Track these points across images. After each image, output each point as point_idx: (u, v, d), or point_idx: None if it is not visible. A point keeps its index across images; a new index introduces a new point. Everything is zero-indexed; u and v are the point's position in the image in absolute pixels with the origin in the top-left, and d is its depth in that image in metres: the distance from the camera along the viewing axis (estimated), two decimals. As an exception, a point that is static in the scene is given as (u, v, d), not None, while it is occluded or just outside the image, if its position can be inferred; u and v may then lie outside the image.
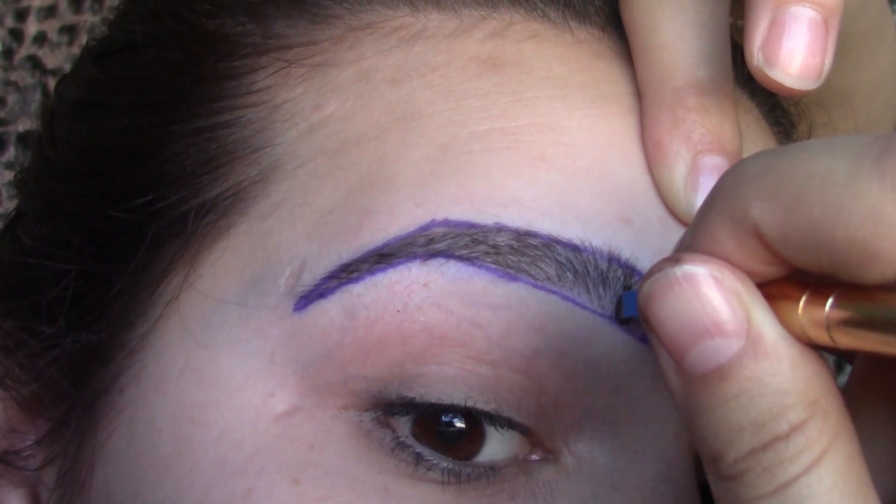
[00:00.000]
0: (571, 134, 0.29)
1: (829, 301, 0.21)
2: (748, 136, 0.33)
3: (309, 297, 0.28)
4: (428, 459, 0.27)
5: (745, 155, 0.32)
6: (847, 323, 0.21)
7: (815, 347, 0.21)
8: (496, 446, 0.28)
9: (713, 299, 0.21)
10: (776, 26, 0.26)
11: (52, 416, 0.32)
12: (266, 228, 0.29)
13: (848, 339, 0.21)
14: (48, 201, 0.34)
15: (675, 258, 0.22)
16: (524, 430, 0.28)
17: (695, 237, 0.22)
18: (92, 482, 0.30)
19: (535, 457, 0.28)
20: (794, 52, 0.26)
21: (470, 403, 0.27)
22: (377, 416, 0.28)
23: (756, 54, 0.26)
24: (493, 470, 0.28)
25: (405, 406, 0.27)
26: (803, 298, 0.21)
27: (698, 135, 0.29)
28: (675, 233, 0.28)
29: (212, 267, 0.29)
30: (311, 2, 0.32)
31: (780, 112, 0.37)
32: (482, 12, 0.32)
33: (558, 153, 0.29)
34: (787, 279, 0.22)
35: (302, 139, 0.30)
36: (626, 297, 0.26)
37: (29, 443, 0.32)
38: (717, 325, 0.21)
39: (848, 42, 0.40)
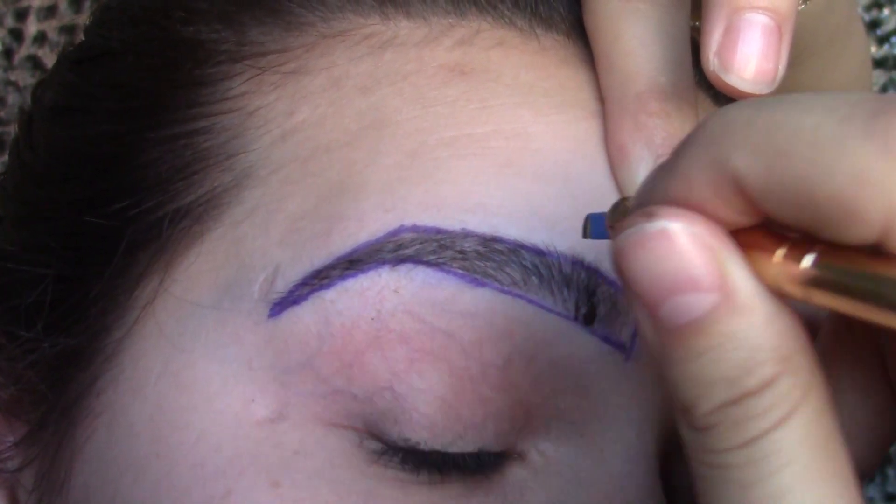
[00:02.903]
0: (537, 140, 0.29)
1: (811, 258, 0.21)
2: None
3: (283, 304, 0.28)
4: (413, 462, 0.28)
5: None
6: (825, 283, 0.21)
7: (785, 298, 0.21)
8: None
9: (687, 254, 0.21)
10: (731, 32, 0.27)
11: (30, 418, 0.32)
12: (240, 234, 0.29)
13: (824, 299, 0.21)
14: (26, 206, 0.34)
15: (647, 212, 0.21)
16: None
17: (669, 181, 0.22)
18: (70, 484, 0.30)
19: (504, 454, 0.29)
20: (749, 58, 0.27)
21: (450, 450, 0.28)
22: (367, 435, 0.28)
23: (712, 59, 0.27)
24: (474, 467, 0.28)
25: (402, 449, 0.28)
26: (782, 252, 0.21)
27: (660, 138, 0.29)
28: None
29: (187, 272, 0.30)
30: (284, 10, 0.32)
31: None
32: (451, 20, 0.32)
33: (524, 159, 0.29)
34: (760, 228, 0.22)
35: (275, 145, 0.30)
36: (592, 219, 0.27)
37: (7, 444, 0.32)
38: (692, 280, 0.21)
39: (815, 45, 0.40)
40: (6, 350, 0.32)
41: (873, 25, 0.74)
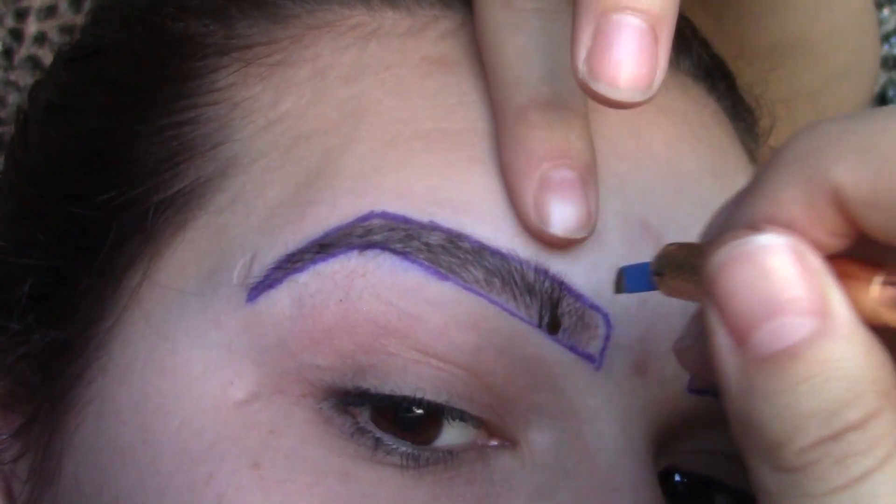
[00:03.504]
0: None
1: None
2: (704, 132, 0.33)
3: (259, 288, 0.29)
4: (387, 444, 0.28)
5: (696, 158, 0.32)
6: None
7: (883, 328, 0.20)
8: (454, 432, 0.28)
9: (792, 274, 0.20)
10: (600, 37, 0.25)
11: (23, 410, 0.32)
12: (222, 222, 0.30)
13: None
14: (18, 203, 0.35)
15: (754, 227, 0.20)
16: (477, 423, 0.28)
17: (754, 204, 0.21)
18: (61, 474, 0.31)
19: (493, 443, 0.29)
20: (620, 64, 0.25)
21: (420, 395, 0.28)
22: (335, 403, 0.28)
23: (581, 67, 0.25)
24: (451, 455, 0.28)
25: (360, 396, 0.28)
26: (881, 277, 0.20)
27: (543, 151, 0.28)
28: (611, 247, 0.28)
29: (171, 260, 0.30)
30: (271, 2, 0.32)
31: (741, 107, 0.37)
32: (436, 12, 0.32)
33: (495, 158, 0.29)
34: (846, 256, 0.21)
35: (258, 135, 0.31)
36: (628, 271, 0.26)
37: (2, 437, 0.33)
38: (794, 301, 0.20)
39: None
40: None
41: (873, 25, 0.74)
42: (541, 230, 0.28)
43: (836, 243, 0.21)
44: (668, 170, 0.30)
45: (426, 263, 0.28)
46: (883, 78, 0.74)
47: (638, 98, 0.25)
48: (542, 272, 0.28)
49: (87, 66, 0.35)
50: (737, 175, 0.33)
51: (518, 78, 0.29)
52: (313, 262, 0.28)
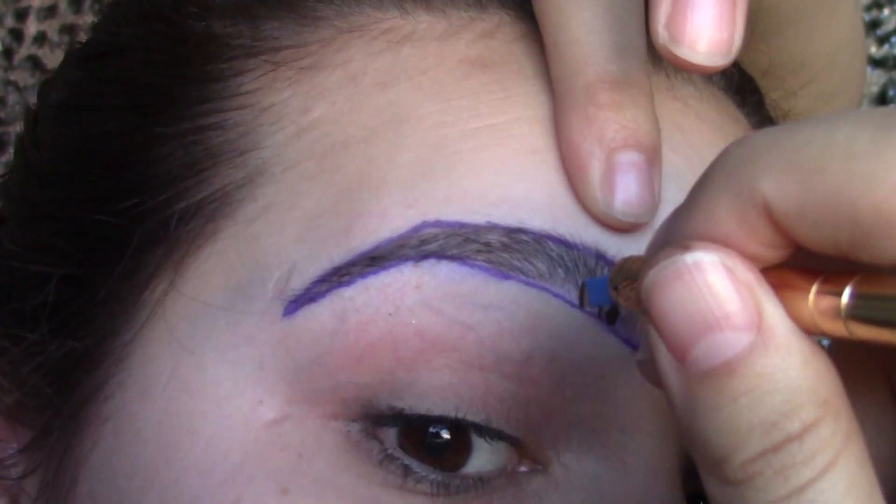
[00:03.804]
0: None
1: (848, 289, 0.20)
2: (716, 123, 0.32)
3: (299, 302, 0.27)
4: (416, 472, 0.27)
5: (703, 142, 0.31)
6: (867, 314, 0.19)
7: (822, 336, 0.20)
8: (484, 457, 0.28)
9: (724, 290, 0.20)
10: (680, 1, 0.25)
11: (35, 424, 0.31)
12: (253, 232, 0.29)
13: (868, 332, 0.19)
14: (31, 206, 0.34)
15: (683, 245, 0.20)
16: (514, 442, 0.27)
17: (689, 218, 0.21)
18: (76, 492, 0.30)
19: (523, 468, 0.28)
20: (701, 28, 0.25)
21: (460, 415, 0.27)
22: (365, 426, 0.27)
23: (661, 32, 0.25)
24: (481, 481, 0.27)
25: (394, 417, 0.27)
26: (815, 287, 0.20)
27: (612, 132, 0.28)
28: None
29: (198, 272, 0.29)
30: (300, 3, 0.31)
31: (768, 125, 0.37)
32: (471, 14, 0.31)
33: (548, 146, 0.28)
34: (785, 266, 0.21)
35: (289, 142, 0.30)
36: (589, 284, 0.26)
37: (11, 451, 0.31)
38: (727, 317, 0.20)
39: (801, 7, 0.39)
40: (10, 354, 0.31)
41: (873, 25, 0.75)
42: (606, 213, 0.27)
43: (774, 255, 0.20)
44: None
45: (485, 265, 0.27)
46: (883, 78, 0.75)
47: (718, 62, 0.25)
48: (603, 257, 0.27)
49: (103, 65, 0.34)
50: None
51: (585, 55, 0.28)
52: (362, 275, 0.27)
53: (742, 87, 0.35)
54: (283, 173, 0.29)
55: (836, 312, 0.20)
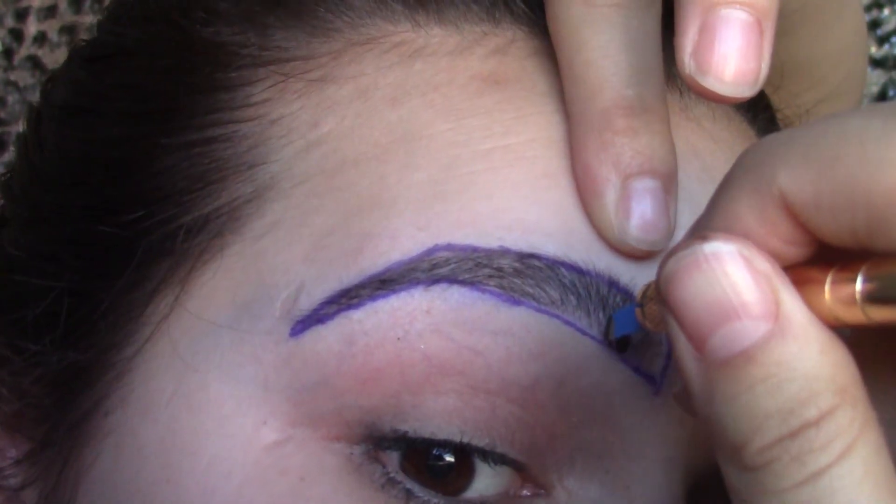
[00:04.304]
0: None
1: (861, 273, 0.20)
2: (728, 144, 0.32)
3: (306, 322, 0.27)
4: (419, 496, 0.27)
5: (703, 168, 0.31)
6: (883, 295, 0.20)
7: (843, 327, 0.21)
8: (486, 481, 0.27)
9: (742, 279, 0.20)
10: (707, 31, 0.25)
11: (33, 435, 0.31)
12: (260, 249, 0.28)
13: (884, 313, 0.20)
14: (34, 209, 0.33)
15: (701, 235, 0.21)
16: (517, 466, 0.27)
17: (712, 214, 0.21)
18: None
19: (526, 492, 0.28)
20: (728, 58, 0.25)
21: (465, 439, 0.27)
22: (367, 449, 0.27)
23: (687, 62, 0.25)
24: None
25: (397, 440, 0.27)
26: (830, 274, 0.20)
27: (628, 158, 0.27)
28: None
29: (203, 288, 0.29)
30: (311, 13, 0.31)
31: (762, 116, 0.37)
32: (484, 28, 0.31)
33: (562, 169, 0.28)
34: (806, 263, 0.21)
35: (299, 157, 0.29)
36: (617, 317, 0.26)
37: (10, 462, 0.31)
38: (745, 306, 0.20)
39: (807, 10, 0.39)
40: (11, 363, 0.31)
41: (873, 25, 0.75)
42: (621, 240, 0.27)
43: (795, 252, 0.21)
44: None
45: (497, 290, 0.26)
46: (883, 78, 0.75)
47: (745, 93, 0.25)
48: (615, 285, 0.27)
49: (108, 67, 0.33)
50: None
51: (601, 79, 0.28)
52: (372, 298, 0.27)
53: (754, 105, 0.35)
54: (292, 189, 0.29)
55: (852, 299, 0.20)
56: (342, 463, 0.27)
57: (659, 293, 0.21)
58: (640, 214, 0.27)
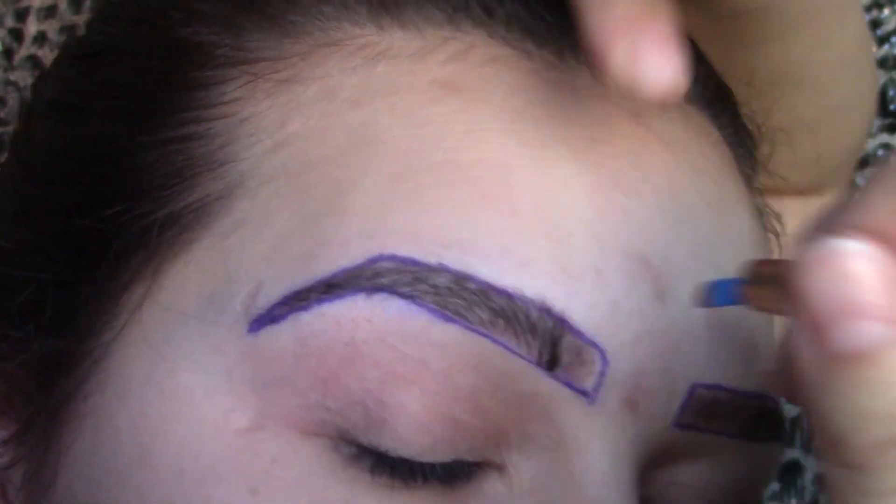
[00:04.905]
0: (516, 174, 0.29)
1: None
2: (704, 164, 0.33)
3: (262, 321, 0.28)
4: (386, 469, 0.28)
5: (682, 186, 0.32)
6: None
7: None
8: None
9: (869, 280, 0.21)
10: (633, 46, 0.26)
11: (20, 417, 0.32)
12: (227, 246, 0.30)
13: None
14: (22, 203, 0.34)
15: (837, 231, 0.21)
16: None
17: (851, 212, 0.22)
18: (55, 486, 0.31)
19: (482, 463, 0.29)
20: (652, 70, 0.26)
21: (433, 459, 0.28)
22: (356, 451, 0.28)
23: (615, 75, 0.26)
24: (453, 477, 0.28)
25: (378, 455, 0.28)
26: None
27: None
28: (611, 285, 0.28)
29: (174, 280, 0.30)
30: (282, 16, 0.32)
31: (743, 134, 0.37)
32: (445, 33, 0.32)
33: (501, 193, 0.29)
34: None
35: (266, 156, 0.30)
36: (718, 287, 0.26)
37: None
38: (871, 307, 0.20)
39: (805, 13, 0.39)
40: None
41: (873, 25, 0.74)
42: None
43: None
44: (670, 204, 0.31)
45: (433, 306, 0.27)
46: (883, 78, 0.75)
47: (671, 99, 0.26)
48: (546, 311, 0.28)
49: (95, 65, 0.34)
50: (736, 206, 0.33)
51: None
52: (319, 301, 0.28)
53: (715, 101, 0.36)
54: (258, 188, 0.30)
55: None
56: (319, 452, 0.28)
57: (780, 278, 0.22)
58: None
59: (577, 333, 0.28)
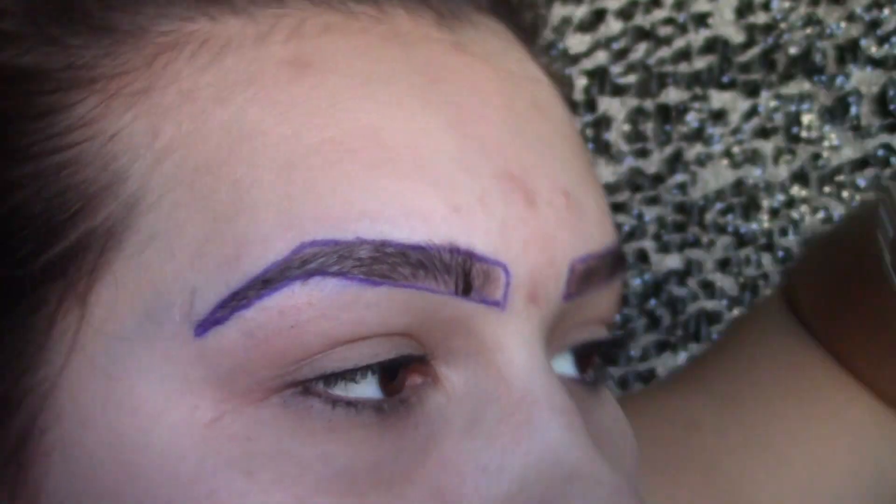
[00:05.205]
0: (387, 135, 0.31)
1: None
2: (517, 67, 0.36)
3: (205, 325, 0.30)
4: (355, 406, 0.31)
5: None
6: None
7: None
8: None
9: None
10: None
11: None
12: (145, 262, 0.31)
13: None
14: None
15: None
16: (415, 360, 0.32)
17: None
18: None
19: (419, 380, 0.33)
20: None
21: (377, 360, 0.31)
22: (295, 392, 0.31)
23: None
24: (401, 403, 0.32)
25: (319, 378, 0.31)
26: None
27: None
28: (495, 208, 0.32)
29: (103, 304, 0.31)
30: (105, 25, 0.32)
31: (527, 27, 0.40)
32: (274, 10, 0.33)
33: (383, 158, 0.31)
34: None
35: (152, 170, 0.31)
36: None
37: None
38: None
39: None
40: None
41: (873, 25, 0.76)
42: None
43: None
44: (509, 116, 0.34)
45: (362, 276, 0.30)
46: (883, 78, 0.76)
47: None
48: (455, 250, 0.31)
49: None
50: (550, 96, 0.37)
51: None
52: (258, 297, 0.30)
53: (499, 6, 0.38)
54: (157, 202, 0.31)
55: None
56: (277, 412, 0.30)
57: None
58: None
59: (483, 259, 0.32)
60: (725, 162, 0.75)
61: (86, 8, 0.32)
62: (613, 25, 0.74)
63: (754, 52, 0.74)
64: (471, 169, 0.32)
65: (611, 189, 0.74)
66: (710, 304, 0.75)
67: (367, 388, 0.31)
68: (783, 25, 0.75)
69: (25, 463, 0.31)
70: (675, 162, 0.74)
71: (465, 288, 0.31)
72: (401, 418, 0.31)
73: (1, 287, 0.31)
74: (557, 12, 0.73)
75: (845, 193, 0.75)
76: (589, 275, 0.34)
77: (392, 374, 0.32)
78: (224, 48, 0.32)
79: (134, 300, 0.30)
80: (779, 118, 0.75)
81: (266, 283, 0.30)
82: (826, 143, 0.75)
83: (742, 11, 0.75)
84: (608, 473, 0.30)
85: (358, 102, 0.32)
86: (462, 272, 0.31)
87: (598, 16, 0.74)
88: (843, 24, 0.75)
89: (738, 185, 0.75)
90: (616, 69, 0.74)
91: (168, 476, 0.30)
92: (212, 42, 0.32)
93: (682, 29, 0.74)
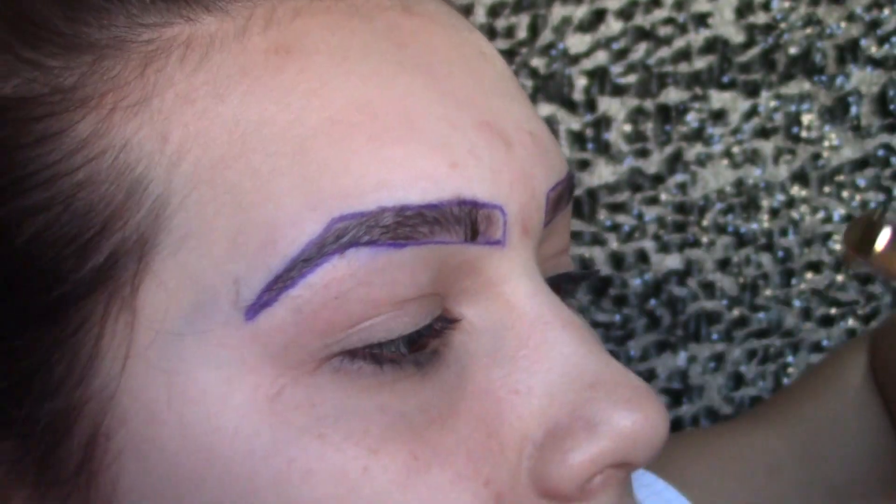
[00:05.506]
0: (378, 105, 0.33)
1: None
2: (457, 22, 0.38)
3: (255, 308, 0.31)
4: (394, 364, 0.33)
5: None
6: None
7: None
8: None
9: None
10: None
11: (31, 488, 0.33)
12: (182, 260, 0.32)
13: None
14: None
15: None
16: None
17: None
18: None
19: (440, 326, 0.35)
20: None
21: (407, 331, 0.33)
22: (344, 357, 0.32)
23: None
24: (434, 353, 0.34)
25: (367, 347, 0.33)
26: None
27: None
28: (483, 156, 0.34)
29: (151, 306, 0.32)
30: (82, 42, 0.32)
31: None
32: (244, 2, 0.34)
33: (381, 127, 0.33)
34: None
35: (171, 174, 0.32)
36: None
37: None
38: None
39: None
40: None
41: (873, 25, 0.76)
42: None
43: None
44: (467, 69, 0.36)
45: (390, 241, 0.32)
46: (883, 78, 0.76)
47: None
48: (463, 202, 0.33)
49: None
50: (487, 43, 0.39)
51: None
52: (302, 276, 0.31)
53: None
54: (182, 203, 0.32)
55: None
56: (333, 377, 0.32)
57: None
58: None
59: (484, 206, 0.34)
60: (725, 162, 0.75)
61: (54, 27, 0.32)
62: (613, 25, 0.74)
63: (754, 52, 0.75)
64: (456, 124, 0.34)
65: (611, 189, 0.75)
66: (710, 305, 0.75)
67: (399, 348, 0.33)
68: (783, 25, 0.75)
69: (96, 469, 0.32)
70: (675, 162, 0.74)
71: (473, 234, 0.34)
72: (434, 364, 0.34)
73: (37, 309, 0.32)
74: (557, 12, 0.73)
75: (845, 193, 0.75)
76: (558, 201, 0.37)
77: (417, 334, 0.34)
78: (209, 47, 0.33)
79: (179, 297, 0.31)
80: (779, 118, 0.75)
81: (306, 261, 0.31)
82: (826, 143, 0.75)
83: (742, 11, 0.75)
84: (623, 374, 0.34)
85: (344, 79, 0.33)
86: (469, 221, 0.33)
87: (598, 16, 0.74)
88: (843, 24, 0.75)
89: (738, 185, 0.75)
90: (616, 69, 0.74)
91: (245, 454, 0.31)
92: (195, 43, 0.33)
93: (682, 29, 0.74)
